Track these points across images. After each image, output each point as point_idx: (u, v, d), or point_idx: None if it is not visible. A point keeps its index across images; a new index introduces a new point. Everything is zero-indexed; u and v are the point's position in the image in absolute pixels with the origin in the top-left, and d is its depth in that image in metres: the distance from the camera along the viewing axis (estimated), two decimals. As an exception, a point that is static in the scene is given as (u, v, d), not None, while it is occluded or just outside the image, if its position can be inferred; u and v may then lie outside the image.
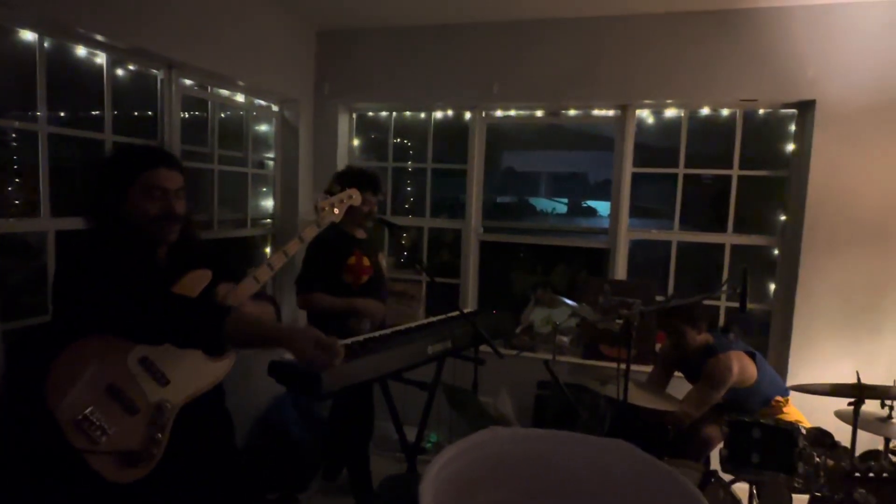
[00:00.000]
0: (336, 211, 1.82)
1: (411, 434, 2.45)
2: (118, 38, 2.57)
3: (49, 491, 1.28)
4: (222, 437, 1.62)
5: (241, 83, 3.42)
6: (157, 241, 1.47)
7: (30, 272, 2.64)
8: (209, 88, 3.36)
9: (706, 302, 3.32)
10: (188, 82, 3.14)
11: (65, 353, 1.27)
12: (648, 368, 3.18)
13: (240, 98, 3.61)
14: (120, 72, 2.78)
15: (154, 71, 2.93)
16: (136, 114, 3.25)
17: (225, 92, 3.49)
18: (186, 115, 3.21)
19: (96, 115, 2.71)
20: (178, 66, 2.96)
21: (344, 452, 3.09)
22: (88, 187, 1.51)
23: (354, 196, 1.90)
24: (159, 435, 1.34)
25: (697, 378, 2.77)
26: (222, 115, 3.52)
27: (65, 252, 1.61)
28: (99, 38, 2.51)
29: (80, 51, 2.59)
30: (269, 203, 3.97)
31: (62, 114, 2.82)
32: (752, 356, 2.78)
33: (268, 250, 3.98)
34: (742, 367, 2.69)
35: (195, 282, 1.45)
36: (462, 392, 1.78)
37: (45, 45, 2.40)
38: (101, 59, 2.66)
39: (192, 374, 1.42)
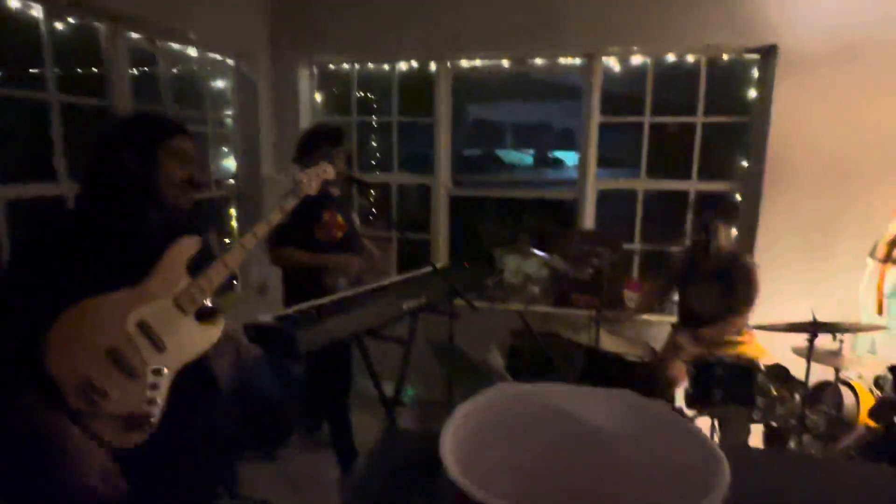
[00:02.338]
0: (313, 184, 1.85)
1: (389, 390, 2.49)
2: (54, -13, 2.38)
3: (45, 456, 1.26)
4: (209, 399, 1.64)
5: (192, 36, 3.23)
6: (176, 206, 1.47)
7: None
8: (158, 42, 3.17)
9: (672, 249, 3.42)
10: (135, 36, 2.95)
11: (64, 316, 1.25)
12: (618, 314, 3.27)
13: (192, 52, 3.42)
14: (59, 26, 2.59)
15: (96, 24, 2.74)
16: (80, 71, 3.06)
17: (176, 46, 3.30)
18: (136, 72, 3.04)
19: (37, 73, 2.54)
20: (122, 18, 2.76)
21: (323, 407, 3.13)
22: (97, 151, 1.46)
23: (328, 170, 1.92)
24: (158, 399, 1.36)
25: (717, 284, 2.79)
26: (174, 71, 3.34)
27: (56, 214, 1.55)
28: (32, -12, 2.32)
29: (13, 2, 2.39)
30: (230, 163, 3.84)
31: (-1, 74, 2.63)
32: None
33: (233, 211, 3.87)
34: None
35: (187, 248, 1.46)
36: (450, 349, 1.81)
37: (-27, -4, 2.21)
38: (36, 11, 2.46)
39: (187, 340, 1.44)
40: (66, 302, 1.26)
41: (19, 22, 2.44)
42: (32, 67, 2.56)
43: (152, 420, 1.34)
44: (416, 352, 2.50)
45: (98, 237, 1.35)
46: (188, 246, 1.46)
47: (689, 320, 2.93)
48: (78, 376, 1.25)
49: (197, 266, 1.47)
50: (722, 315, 2.79)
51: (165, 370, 1.37)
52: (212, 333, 1.50)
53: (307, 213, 2.75)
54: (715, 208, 2.62)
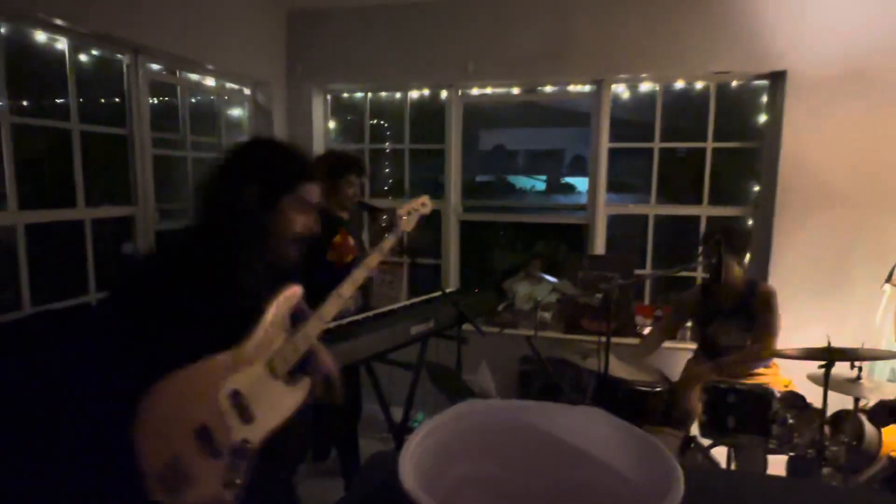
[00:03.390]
0: (412, 221, 1.69)
1: (397, 415, 2.47)
2: (79, 21, 2.48)
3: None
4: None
5: (210, 67, 3.34)
6: (285, 257, 1.33)
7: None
8: (178, 73, 3.28)
9: (683, 273, 3.39)
10: (155, 67, 3.05)
11: (159, 386, 1.08)
12: (628, 340, 3.24)
13: (210, 82, 3.53)
14: (83, 57, 2.69)
15: (119, 56, 2.84)
16: (102, 101, 3.16)
17: (194, 76, 3.40)
18: (155, 101, 3.13)
19: (61, 103, 2.63)
20: (143, 50, 2.87)
21: (332, 434, 3.11)
22: (223, 182, 1.29)
23: (427, 204, 1.74)
24: (237, 481, 1.16)
25: (736, 317, 2.72)
26: (193, 101, 3.44)
27: (166, 257, 1.30)
28: (59, 22, 2.42)
29: (40, 36, 2.50)
30: (245, 189, 3.91)
31: (24, 103, 2.73)
32: None
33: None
34: None
35: (289, 301, 1.28)
36: (443, 369, 1.81)
37: (2, 30, 2.31)
38: (62, 44, 2.57)
39: (275, 407, 1.25)
40: (162, 364, 1.09)
41: (46, 54, 2.55)
42: (56, 97, 2.65)
43: (226, 502, 1.14)
44: (425, 377, 2.49)
45: (199, 289, 1.18)
46: (291, 298, 1.27)
47: (713, 354, 2.83)
48: (164, 459, 1.05)
49: (292, 319, 1.30)
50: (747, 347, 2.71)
51: (249, 445, 1.17)
52: (298, 397, 1.31)
53: (320, 234, 2.79)
54: (719, 239, 2.51)
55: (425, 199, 1.74)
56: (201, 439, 1.12)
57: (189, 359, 1.12)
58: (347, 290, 1.41)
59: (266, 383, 1.22)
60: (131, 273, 1.27)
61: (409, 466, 0.51)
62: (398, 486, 0.51)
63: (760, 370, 2.78)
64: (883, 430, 2.58)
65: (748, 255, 2.68)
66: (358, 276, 1.45)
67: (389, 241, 1.56)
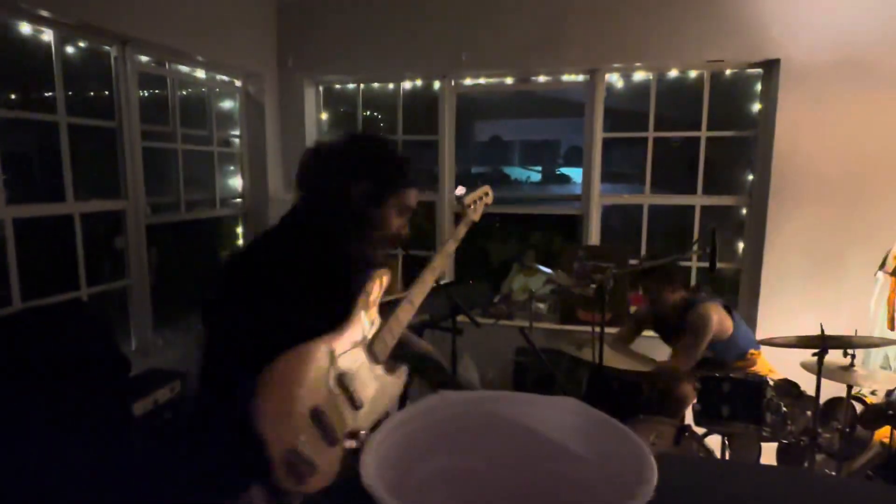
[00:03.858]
0: (478, 209, 1.67)
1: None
2: (65, 13, 2.44)
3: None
4: None
5: (200, 58, 3.30)
6: (373, 257, 1.33)
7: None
8: (167, 65, 3.24)
9: (679, 263, 3.39)
10: (144, 59, 3.01)
11: (275, 365, 1.04)
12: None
13: (200, 74, 3.49)
14: (70, 49, 2.66)
15: (106, 48, 2.80)
16: (90, 93, 3.12)
17: (184, 68, 3.36)
18: (145, 94, 3.10)
19: (48, 96, 2.60)
20: (132, 42, 2.83)
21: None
22: (330, 175, 1.29)
23: (489, 194, 1.73)
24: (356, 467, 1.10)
25: (675, 335, 2.83)
26: (183, 93, 3.41)
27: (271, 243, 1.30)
28: (44, 13, 2.38)
29: (25, 28, 2.46)
30: (237, 182, 3.88)
31: (11, 96, 2.69)
32: (728, 309, 2.84)
33: (240, 230, 3.91)
34: (720, 317, 2.75)
35: (382, 284, 1.29)
36: (427, 359, 1.79)
37: (-14, 22, 2.28)
38: (48, 36, 2.53)
39: (379, 394, 1.22)
40: (274, 343, 1.06)
41: (31, 46, 2.51)
42: (43, 90, 2.62)
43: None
44: (420, 369, 2.48)
45: (307, 264, 1.20)
46: (383, 280, 1.27)
47: None
48: (286, 443, 1.01)
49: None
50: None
51: (362, 433, 1.13)
52: (397, 385, 1.29)
53: None
54: (656, 277, 2.74)
55: (487, 188, 1.73)
56: (318, 425, 1.07)
57: (295, 343, 1.10)
58: (430, 276, 1.42)
59: (368, 369, 1.21)
60: (247, 249, 1.28)
61: (373, 461, 0.50)
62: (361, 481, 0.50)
63: (738, 363, 2.80)
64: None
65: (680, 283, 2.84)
66: (437, 263, 1.45)
67: (462, 230, 1.58)
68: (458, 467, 0.62)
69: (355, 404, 1.15)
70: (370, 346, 1.23)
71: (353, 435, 1.12)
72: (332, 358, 1.13)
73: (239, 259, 1.32)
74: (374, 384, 1.21)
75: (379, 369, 1.24)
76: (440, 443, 0.61)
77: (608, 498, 0.52)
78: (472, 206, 1.64)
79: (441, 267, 1.46)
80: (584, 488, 0.60)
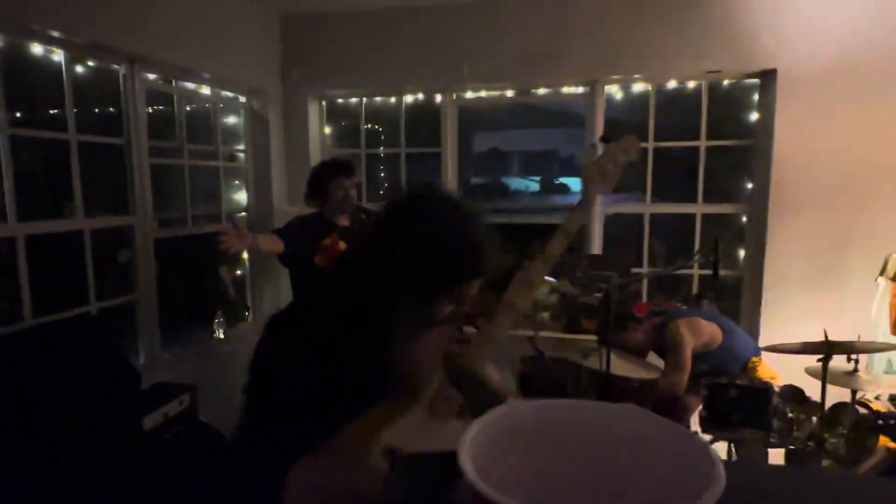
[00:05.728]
0: (608, 175, 1.33)
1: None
2: (75, 33, 2.49)
3: None
4: None
5: (206, 75, 3.35)
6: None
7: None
8: (174, 82, 3.28)
9: (680, 272, 3.42)
10: (151, 76, 3.06)
11: (310, 457, 0.94)
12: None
13: (206, 90, 3.54)
14: (79, 69, 2.70)
15: (115, 66, 2.85)
16: (98, 111, 3.17)
17: (190, 85, 3.41)
18: (151, 110, 3.14)
19: (58, 114, 2.64)
20: (139, 60, 2.88)
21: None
22: (381, 260, 1.07)
23: (632, 146, 1.37)
24: None
25: (663, 356, 2.85)
26: (189, 109, 3.45)
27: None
28: (55, 34, 2.43)
29: (37, 48, 2.50)
30: (242, 196, 3.92)
31: (17, 114, 2.73)
32: (714, 319, 2.87)
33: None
34: (696, 329, 2.75)
35: (444, 338, 1.16)
36: (468, 373, 1.80)
37: (-1, 43, 2.32)
38: (58, 56, 2.58)
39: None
40: (312, 427, 0.95)
41: (42, 66, 2.55)
42: (53, 108, 2.66)
43: None
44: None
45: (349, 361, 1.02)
46: (446, 342, 1.12)
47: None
48: None
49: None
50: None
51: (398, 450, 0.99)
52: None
53: (311, 237, 2.80)
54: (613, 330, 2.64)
55: (632, 139, 1.48)
56: None
57: (331, 431, 0.98)
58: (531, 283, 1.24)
59: (429, 429, 1.05)
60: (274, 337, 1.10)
61: (469, 461, 0.55)
62: (462, 481, 0.53)
63: (748, 366, 2.82)
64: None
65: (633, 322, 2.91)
66: (553, 253, 1.27)
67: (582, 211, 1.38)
68: (529, 466, 0.66)
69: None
70: (433, 406, 1.06)
71: (391, 451, 0.98)
72: (377, 432, 1.00)
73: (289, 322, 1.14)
74: (437, 442, 1.02)
75: (446, 424, 1.06)
76: (512, 446, 0.66)
77: (685, 493, 0.56)
78: (591, 171, 1.27)
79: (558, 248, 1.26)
80: (647, 483, 0.64)
